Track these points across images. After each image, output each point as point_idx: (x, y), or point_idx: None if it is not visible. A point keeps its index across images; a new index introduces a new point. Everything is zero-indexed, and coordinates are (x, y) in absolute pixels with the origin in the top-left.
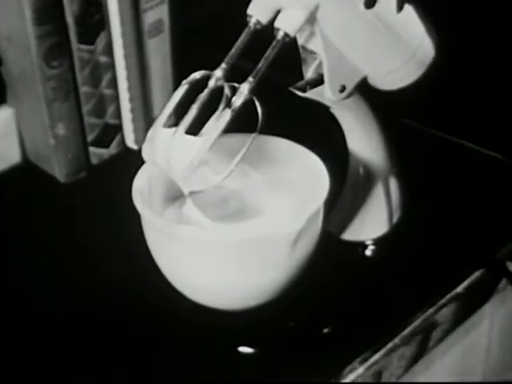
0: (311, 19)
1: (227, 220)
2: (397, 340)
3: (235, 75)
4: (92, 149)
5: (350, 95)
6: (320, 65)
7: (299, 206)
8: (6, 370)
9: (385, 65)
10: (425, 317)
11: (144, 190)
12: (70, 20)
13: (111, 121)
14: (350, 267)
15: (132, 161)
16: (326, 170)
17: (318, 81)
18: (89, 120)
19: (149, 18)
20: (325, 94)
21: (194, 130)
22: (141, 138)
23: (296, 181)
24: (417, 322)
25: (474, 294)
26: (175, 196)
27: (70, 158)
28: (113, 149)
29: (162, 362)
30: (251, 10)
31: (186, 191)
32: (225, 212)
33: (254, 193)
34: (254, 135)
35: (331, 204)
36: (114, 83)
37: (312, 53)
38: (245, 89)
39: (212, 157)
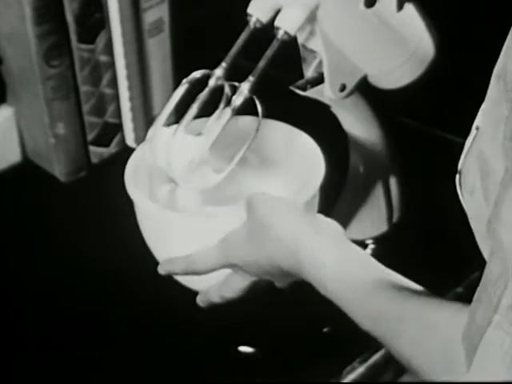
0: (311, 18)
1: (223, 204)
2: None
3: (235, 75)
4: (92, 148)
5: (350, 94)
6: (320, 64)
7: (296, 191)
8: (7, 369)
9: (385, 63)
10: None
11: (137, 174)
12: (70, 19)
13: (111, 120)
14: None
15: None
16: (322, 157)
17: (319, 80)
18: (89, 119)
19: (149, 17)
20: (325, 93)
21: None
22: (141, 137)
23: (292, 166)
24: None
25: (473, 294)
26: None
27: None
28: (113, 148)
29: (162, 362)
30: (251, 9)
31: (185, 189)
32: (221, 196)
33: (251, 178)
34: (253, 134)
35: (332, 201)
36: (114, 82)
37: (312, 52)
38: (245, 88)
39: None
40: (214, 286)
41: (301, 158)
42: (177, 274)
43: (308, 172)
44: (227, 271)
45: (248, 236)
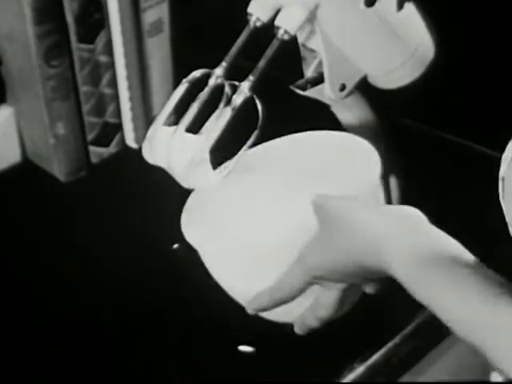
0: (311, 17)
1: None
2: (397, 339)
3: (236, 75)
4: (92, 148)
5: (349, 94)
6: (320, 63)
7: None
8: (7, 369)
9: (385, 63)
10: (425, 316)
11: (193, 219)
12: (69, 19)
13: (111, 120)
14: None
15: (132, 160)
16: (371, 147)
17: (319, 79)
18: (89, 119)
19: (148, 17)
20: (325, 93)
21: (195, 128)
22: (141, 137)
23: (342, 168)
24: (417, 321)
25: None
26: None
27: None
28: (113, 148)
29: (162, 362)
30: (252, 8)
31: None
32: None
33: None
34: (255, 133)
35: None
36: (113, 82)
37: (312, 51)
38: (245, 87)
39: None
40: (306, 311)
41: (345, 155)
42: (266, 308)
43: (361, 167)
44: (313, 294)
45: (324, 242)
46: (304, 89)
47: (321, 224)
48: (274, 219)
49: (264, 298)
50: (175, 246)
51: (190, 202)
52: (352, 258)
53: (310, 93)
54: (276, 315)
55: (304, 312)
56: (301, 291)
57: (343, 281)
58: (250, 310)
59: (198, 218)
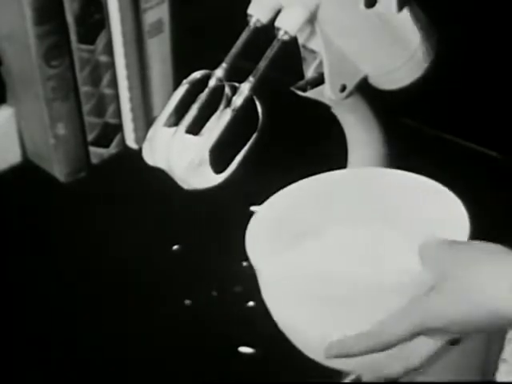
0: (312, 18)
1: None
2: None
3: (236, 76)
4: (92, 148)
5: (350, 95)
6: (320, 64)
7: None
8: (7, 369)
9: (385, 64)
10: None
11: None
12: (70, 19)
13: (111, 120)
14: None
15: (132, 160)
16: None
17: (319, 80)
18: (89, 119)
19: (149, 17)
20: (325, 94)
21: (195, 129)
22: (141, 138)
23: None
24: None
25: None
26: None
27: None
28: (113, 148)
29: (162, 362)
30: (252, 9)
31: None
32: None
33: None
34: (255, 134)
35: None
36: (114, 83)
37: (312, 52)
38: (245, 88)
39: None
40: (388, 360)
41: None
42: (353, 353)
43: (449, 217)
44: None
45: (442, 290)
46: (304, 90)
47: (438, 273)
48: (367, 262)
49: (358, 341)
50: (175, 246)
51: (254, 222)
52: (485, 309)
53: (311, 94)
54: (338, 363)
55: (383, 361)
56: (402, 341)
57: (456, 332)
58: (330, 356)
59: (263, 241)
